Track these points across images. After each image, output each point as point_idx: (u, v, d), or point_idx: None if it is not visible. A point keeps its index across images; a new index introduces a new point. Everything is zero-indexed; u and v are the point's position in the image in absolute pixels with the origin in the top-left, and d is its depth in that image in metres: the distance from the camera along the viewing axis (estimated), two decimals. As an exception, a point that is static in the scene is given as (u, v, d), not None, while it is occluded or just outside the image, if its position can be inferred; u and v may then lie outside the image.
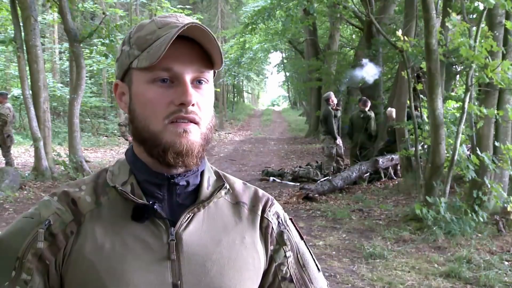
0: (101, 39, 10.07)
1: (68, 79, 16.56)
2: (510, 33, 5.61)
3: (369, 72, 10.10)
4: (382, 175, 8.91)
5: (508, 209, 5.27)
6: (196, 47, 0.77)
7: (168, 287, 0.76)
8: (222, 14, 26.22)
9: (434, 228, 5.16)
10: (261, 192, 0.93)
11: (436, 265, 4.36)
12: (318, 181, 7.95)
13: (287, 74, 34.29)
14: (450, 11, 5.66)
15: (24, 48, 8.83)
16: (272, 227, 0.89)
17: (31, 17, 8.66)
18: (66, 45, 15.61)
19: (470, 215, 5.28)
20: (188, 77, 0.76)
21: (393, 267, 4.32)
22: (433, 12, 5.74)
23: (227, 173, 0.94)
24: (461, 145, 5.65)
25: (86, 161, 9.88)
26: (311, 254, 0.93)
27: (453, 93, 8.00)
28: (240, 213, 0.87)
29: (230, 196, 0.88)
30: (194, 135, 0.77)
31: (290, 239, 0.90)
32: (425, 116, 6.96)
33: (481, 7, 5.75)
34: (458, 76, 9.30)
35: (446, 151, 5.83)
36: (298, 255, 0.90)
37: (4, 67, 18.39)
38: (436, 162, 5.74)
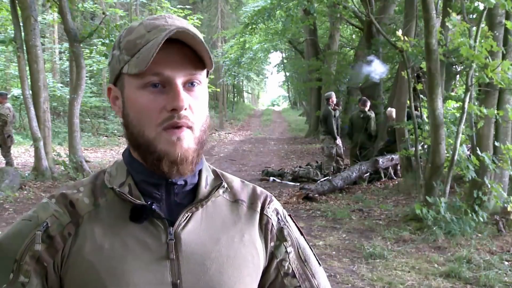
0: (101, 39, 10.08)
1: (68, 79, 16.54)
2: (510, 33, 5.61)
3: (376, 69, 10.05)
4: (382, 175, 8.91)
5: (508, 209, 5.27)
6: (187, 49, 0.76)
7: (167, 286, 0.77)
8: (222, 14, 26.21)
9: (434, 228, 5.16)
10: (259, 189, 0.93)
11: (436, 265, 4.36)
12: (318, 181, 7.95)
13: (287, 74, 34.30)
14: (450, 11, 5.65)
15: (24, 48, 8.83)
16: (272, 224, 0.89)
17: (31, 17, 8.66)
18: (66, 45, 15.61)
19: (470, 215, 5.28)
20: (179, 81, 0.76)
21: (393, 267, 4.32)
22: (433, 12, 5.74)
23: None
24: (461, 145, 5.65)
25: (86, 161, 9.88)
26: (311, 249, 0.94)
27: (453, 93, 7.99)
28: (238, 211, 0.87)
29: (228, 194, 0.89)
30: (188, 141, 0.77)
31: (291, 235, 0.91)
32: (425, 116, 6.96)
33: (481, 7, 5.76)
34: (458, 76, 9.30)
35: (446, 151, 5.83)
36: (299, 250, 0.91)
37: (4, 67, 18.40)
38: (436, 162, 5.74)
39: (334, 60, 17.16)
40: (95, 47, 13.76)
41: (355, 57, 15.80)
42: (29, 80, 9.09)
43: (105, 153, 14.31)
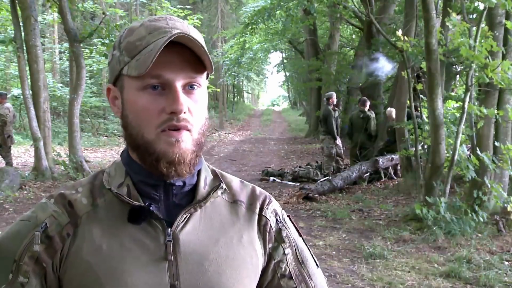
0: (101, 39, 10.07)
1: (68, 79, 16.55)
2: (510, 33, 5.61)
3: (384, 66, 10.01)
4: (382, 175, 8.91)
5: (508, 209, 5.27)
6: (187, 52, 0.76)
7: (165, 287, 0.77)
8: (222, 14, 26.21)
9: (434, 228, 5.16)
10: (258, 190, 0.93)
11: (436, 265, 4.36)
12: (318, 181, 7.95)
13: (287, 74, 34.30)
14: (450, 11, 5.65)
15: (24, 48, 8.83)
16: (270, 225, 0.89)
17: (31, 17, 8.66)
18: (66, 45, 15.61)
19: (470, 215, 5.28)
20: (179, 84, 0.76)
21: (393, 267, 4.32)
22: (433, 12, 5.74)
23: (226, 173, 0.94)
24: (461, 145, 5.65)
25: (86, 161, 9.88)
26: (310, 251, 0.93)
27: (453, 93, 7.99)
28: (237, 212, 0.87)
29: (227, 195, 0.88)
30: (186, 143, 0.77)
31: (289, 236, 0.91)
32: (425, 116, 6.96)
33: (481, 7, 5.75)
34: (458, 76, 9.29)
35: (446, 151, 5.83)
36: (297, 252, 0.90)
37: (4, 67, 18.40)
38: (436, 162, 5.74)
39: (334, 60, 17.16)
40: (95, 47, 13.76)
41: (355, 57, 15.80)
42: (29, 80, 9.09)
43: (105, 153, 14.31)
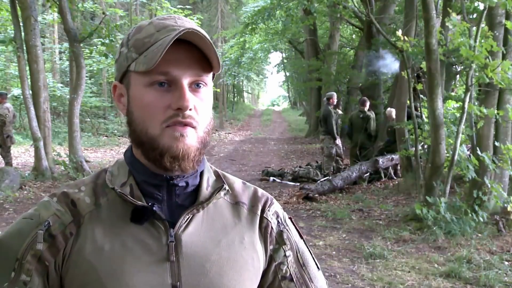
0: (101, 39, 10.07)
1: (68, 79, 16.56)
2: (510, 33, 5.61)
3: (391, 63, 9.99)
4: (382, 175, 8.91)
5: (508, 209, 5.27)
6: (195, 50, 0.77)
7: (167, 288, 0.77)
8: (222, 14, 26.21)
9: (434, 228, 5.17)
10: (260, 191, 0.93)
11: (436, 265, 4.36)
12: (318, 181, 7.95)
13: (287, 74, 34.29)
14: (450, 11, 5.65)
15: (24, 48, 8.83)
16: (272, 227, 0.89)
17: (31, 17, 8.66)
18: (66, 45, 15.60)
19: (470, 215, 5.28)
20: (185, 81, 0.76)
21: (393, 267, 4.32)
22: (433, 12, 5.74)
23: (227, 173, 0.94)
24: (461, 145, 5.65)
25: (86, 161, 9.88)
26: (311, 253, 0.93)
27: (453, 93, 7.99)
28: (239, 213, 0.87)
29: (230, 196, 0.88)
30: (191, 139, 0.77)
31: (290, 239, 0.91)
32: (425, 116, 6.96)
33: (481, 7, 5.76)
34: (458, 76, 9.30)
35: (446, 151, 5.83)
36: (298, 254, 0.90)
37: (4, 67, 18.38)
38: (436, 162, 5.74)
39: (334, 60, 17.16)
40: (95, 47, 13.76)
41: (355, 57, 15.81)
42: (29, 80, 9.09)
43: (105, 153, 14.30)
